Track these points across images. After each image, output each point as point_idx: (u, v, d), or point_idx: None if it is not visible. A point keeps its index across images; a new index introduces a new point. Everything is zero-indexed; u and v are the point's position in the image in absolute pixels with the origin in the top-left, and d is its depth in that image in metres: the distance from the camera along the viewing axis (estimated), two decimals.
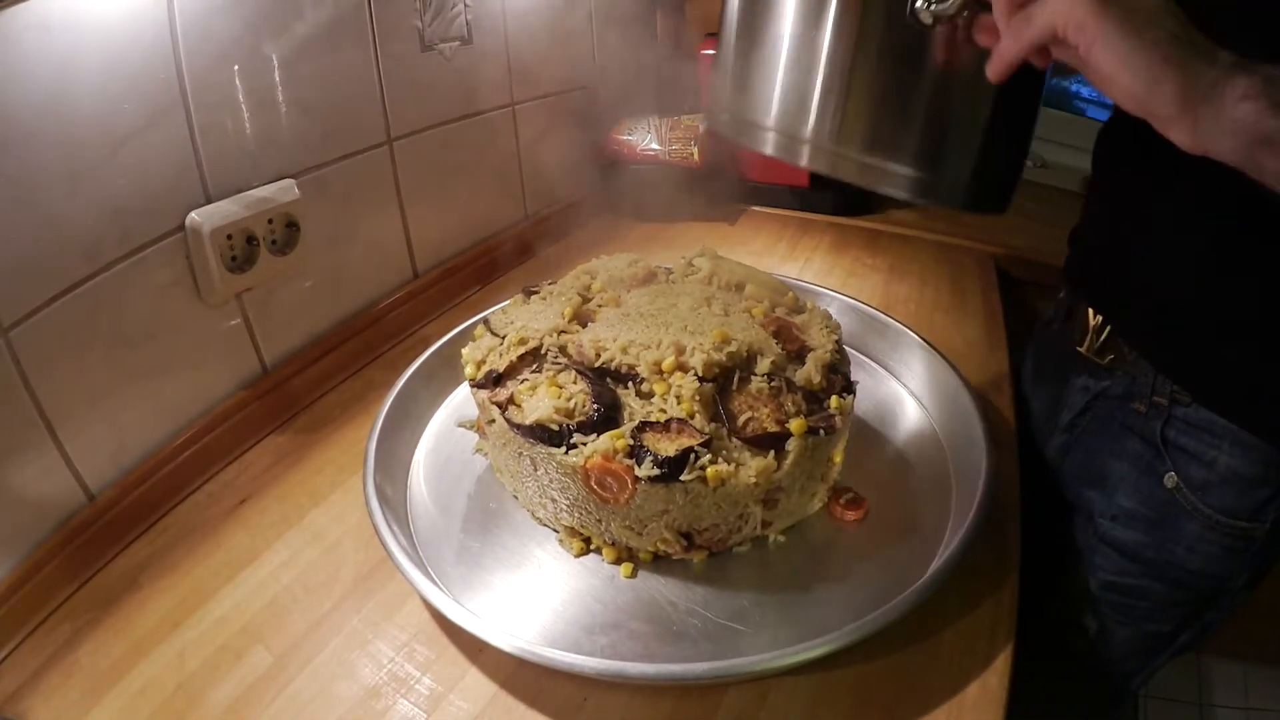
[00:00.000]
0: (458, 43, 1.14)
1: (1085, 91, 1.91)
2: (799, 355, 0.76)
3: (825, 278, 1.28)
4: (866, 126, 0.61)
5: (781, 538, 0.75)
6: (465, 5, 1.13)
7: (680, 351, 0.72)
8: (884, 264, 1.35)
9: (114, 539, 0.78)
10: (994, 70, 0.52)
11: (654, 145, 1.44)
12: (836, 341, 0.79)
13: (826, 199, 1.54)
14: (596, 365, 0.73)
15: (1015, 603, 0.70)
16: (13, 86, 0.66)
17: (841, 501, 0.77)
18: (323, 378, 1.01)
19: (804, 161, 0.62)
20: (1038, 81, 0.59)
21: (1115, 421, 0.79)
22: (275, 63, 0.89)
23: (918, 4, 0.54)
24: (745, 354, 0.73)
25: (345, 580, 0.74)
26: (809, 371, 0.74)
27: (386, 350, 1.09)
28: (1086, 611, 0.85)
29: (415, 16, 1.06)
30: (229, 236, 0.85)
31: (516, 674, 0.64)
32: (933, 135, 0.60)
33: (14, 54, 0.65)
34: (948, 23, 0.54)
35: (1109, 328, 0.79)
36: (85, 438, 0.76)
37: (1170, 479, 0.74)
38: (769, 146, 0.63)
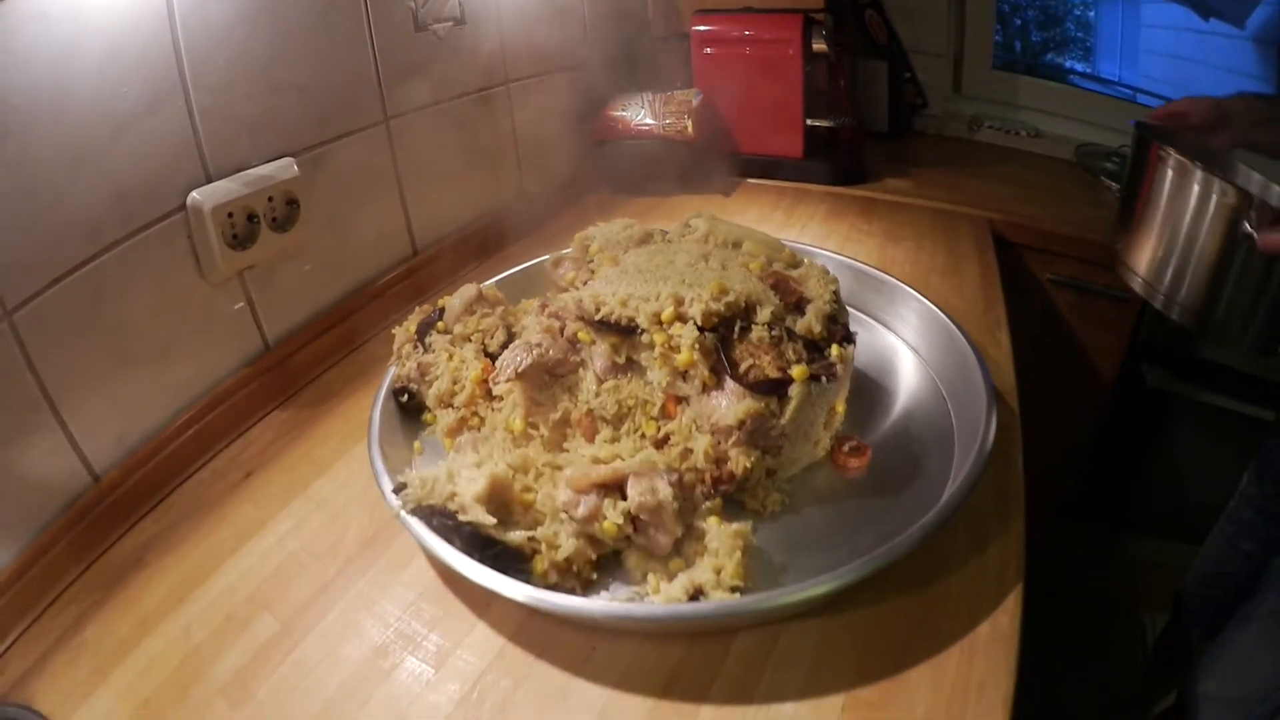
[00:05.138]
0: (451, 23, 1.15)
1: (1080, 66, 1.91)
2: (798, 306, 0.77)
3: (820, 243, 1.28)
4: (1210, 297, 0.85)
5: (787, 485, 0.75)
6: None
7: (679, 303, 0.72)
8: (879, 229, 1.35)
9: (120, 519, 0.78)
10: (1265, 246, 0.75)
11: (648, 120, 1.44)
12: (834, 293, 0.79)
13: (822, 169, 1.55)
14: (597, 318, 0.73)
15: (1023, 544, 0.70)
16: (14, 76, 0.67)
17: (845, 449, 0.77)
18: (325, 353, 1.01)
19: (1172, 315, 0.88)
20: None
21: None
22: (272, 45, 0.90)
23: (1243, 227, 0.77)
24: (744, 304, 0.73)
25: (351, 544, 0.74)
26: (809, 321, 0.74)
27: (388, 325, 1.09)
28: None
29: None
30: (230, 215, 0.85)
31: (524, 627, 0.64)
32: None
33: (14, 44, 0.66)
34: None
35: None
36: (89, 419, 0.77)
37: None
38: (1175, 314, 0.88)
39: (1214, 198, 0.81)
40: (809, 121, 1.51)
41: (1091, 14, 1.96)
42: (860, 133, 1.67)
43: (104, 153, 0.75)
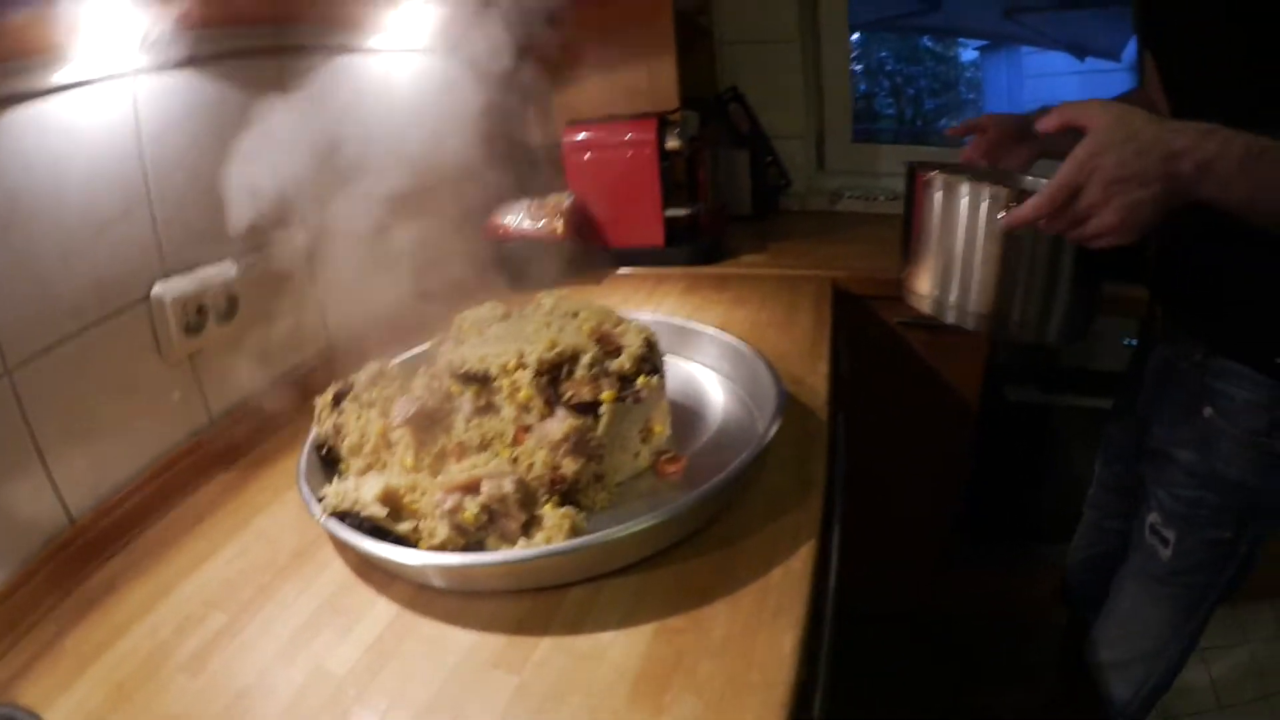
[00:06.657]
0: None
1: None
2: (616, 353, 1.01)
3: (674, 314, 1.48)
4: (1003, 299, 0.94)
5: (616, 489, 0.98)
6: None
7: (520, 356, 0.96)
8: (728, 298, 1.61)
9: (92, 555, 0.94)
10: (1007, 224, 0.84)
11: (526, 223, 1.68)
12: (645, 340, 1.03)
13: (682, 253, 1.80)
14: (462, 372, 0.97)
15: (818, 518, 0.90)
16: (18, 175, 0.84)
17: (664, 458, 1.01)
18: (261, 427, 1.21)
19: (967, 324, 0.98)
20: (1098, 264, 0.91)
21: (1174, 373, 1.09)
22: (216, 166, 1.09)
23: (999, 215, 0.87)
24: (571, 353, 0.97)
25: (284, 558, 0.94)
26: (622, 361, 0.99)
27: (309, 403, 1.23)
28: (1168, 525, 1.08)
29: None
30: (184, 306, 1.07)
31: (413, 599, 0.85)
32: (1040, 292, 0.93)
33: (19, 148, 0.84)
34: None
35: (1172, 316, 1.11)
36: (69, 468, 0.92)
37: (1208, 411, 1.02)
38: (951, 317, 0.99)
39: (983, 204, 0.88)
40: (667, 212, 1.77)
41: (982, 74, 2.15)
42: (721, 217, 1.93)
43: (88, 247, 0.93)
